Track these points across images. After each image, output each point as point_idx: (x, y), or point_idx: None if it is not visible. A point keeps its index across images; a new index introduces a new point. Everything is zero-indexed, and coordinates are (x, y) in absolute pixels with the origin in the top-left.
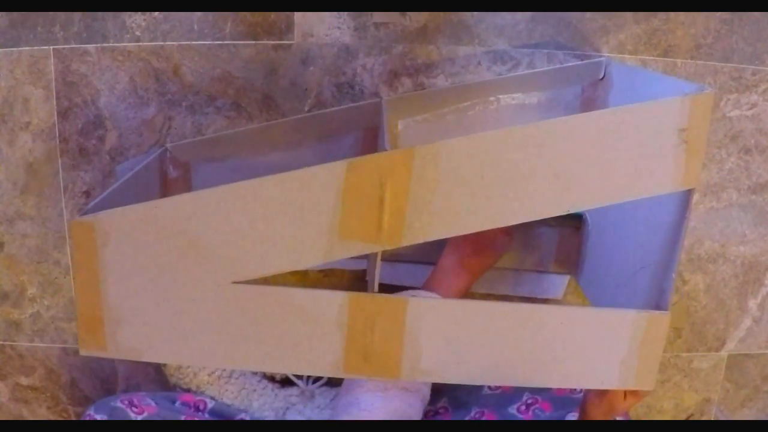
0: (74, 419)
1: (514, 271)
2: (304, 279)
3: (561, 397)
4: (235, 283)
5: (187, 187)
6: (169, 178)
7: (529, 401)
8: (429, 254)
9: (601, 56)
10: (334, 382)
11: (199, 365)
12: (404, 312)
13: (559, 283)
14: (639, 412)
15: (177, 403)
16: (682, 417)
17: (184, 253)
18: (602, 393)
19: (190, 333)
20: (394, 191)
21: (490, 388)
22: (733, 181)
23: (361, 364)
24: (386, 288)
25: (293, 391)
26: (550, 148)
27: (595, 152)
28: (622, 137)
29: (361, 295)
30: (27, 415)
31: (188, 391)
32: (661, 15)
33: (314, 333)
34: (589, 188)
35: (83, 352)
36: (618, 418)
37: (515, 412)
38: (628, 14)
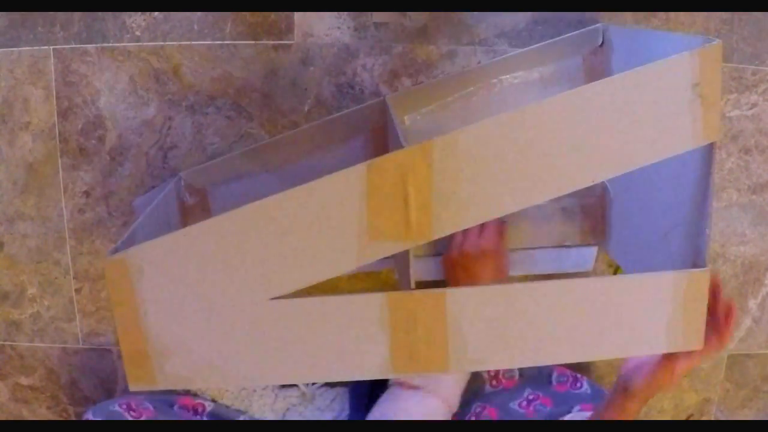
0: (74, 419)
1: (541, 249)
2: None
3: (562, 393)
4: (272, 299)
5: (206, 211)
6: (186, 206)
7: (531, 397)
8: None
9: (597, 23)
10: (333, 383)
11: (251, 386)
12: (444, 304)
13: (588, 255)
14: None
15: (175, 407)
16: (682, 417)
17: (218, 277)
18: (651, 375)
19: (235, 354)
20: (417, 186)
21: (491, 385)
22: (733, 181)
23: (408, 362)
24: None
25: (293, 392)
26: (566, 121)
27: (611, 119)
28: (637, 101)
29: (400, 293)
30: (27, 415)
31: (187, 393)
32: (661, 15)
33: (358, 337)
34: (612, 156)
35: (133, 388)
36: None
37: (516, 407)
38: (628, 14)
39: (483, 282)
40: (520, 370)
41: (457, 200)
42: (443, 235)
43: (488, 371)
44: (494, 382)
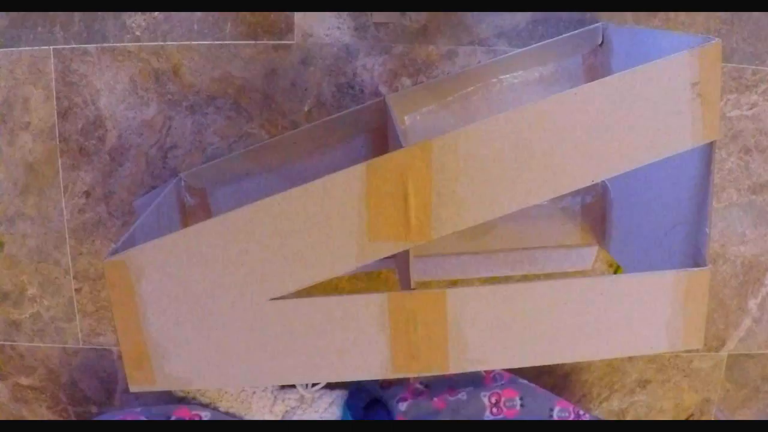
0: (74, 419)
1: (541, 249)
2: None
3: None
4: (272, 300)
5: (207, 212)
6: (187, 207)
7: None
8: (451, 245)
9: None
10: (332, 385)
11: (251, 386)
12: (444, 304)
13: (587, 254)
14: (639, 412)
15: (172, 419)
16: (682, 417)
17: (218, 278)
18: None
19: (235, 355)
20: (416, 186)
21: (491, 412)
22: (733, 181)
23: (408, 362)
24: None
25: (292, 394)
26: (566, 121)
27: (611, 118)
28: (636, 100)
29: (400, 293)
30: (27, 415)
31: (183, 403)
32: (661, 15)
33: (358, 337)
34: (611, 155)
35: (133, 389)
36: None
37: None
38: (628, 14)
39: None
40: (523, 400)
41: (456, 200)
42: (442, 235)
43: (490, 399)
44: (495, 410)
